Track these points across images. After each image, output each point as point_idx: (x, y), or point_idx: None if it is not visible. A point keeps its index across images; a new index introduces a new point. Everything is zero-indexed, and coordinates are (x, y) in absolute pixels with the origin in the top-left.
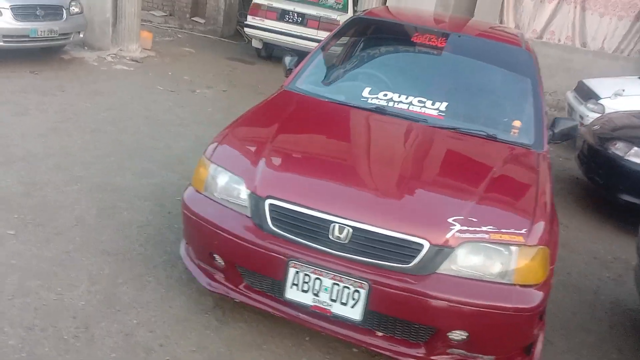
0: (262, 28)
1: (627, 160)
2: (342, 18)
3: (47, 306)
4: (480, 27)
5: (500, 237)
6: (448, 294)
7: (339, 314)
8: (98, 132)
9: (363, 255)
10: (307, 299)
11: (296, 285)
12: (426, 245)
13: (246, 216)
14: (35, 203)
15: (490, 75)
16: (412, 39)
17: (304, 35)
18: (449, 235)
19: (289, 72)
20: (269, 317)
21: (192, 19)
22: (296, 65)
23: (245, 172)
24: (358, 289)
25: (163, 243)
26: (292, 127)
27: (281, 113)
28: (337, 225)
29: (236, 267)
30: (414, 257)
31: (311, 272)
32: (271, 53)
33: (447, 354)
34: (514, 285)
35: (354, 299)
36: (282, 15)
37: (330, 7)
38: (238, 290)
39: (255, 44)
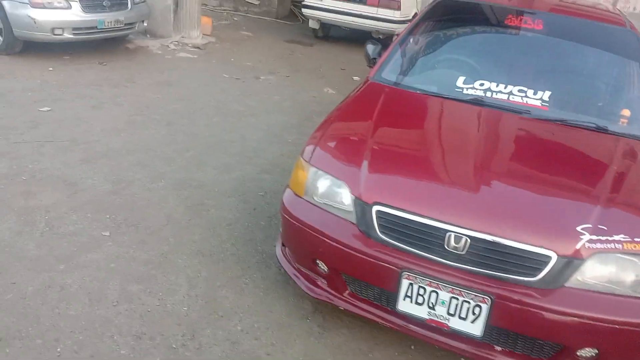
0: (320, 8)
1: None
2: None
3: (152, 313)
4: (577, 6)
5: (635, 247)
6: (578, 309)
7: (457, 328)
8: (173, 125)
9: (483, 267)
10: (421, 312)
11: (410, 297)
12: (554, 257)
13: (351, 222)
14: (124, 202)
15: (594, 59)
16: (504, 21)
17: (364, 13)
18: (578, 246)
19: (373, 61)
20: (370, 323)
21: (247, 0)
22: (380, 54)
23: (348, 176)
24: (480, 303)
25: (253, 242)
26: (389, 124)
27: (373, 108)
28: (453, 235)
29: (341, 275)
30: (541, 269)
31: (427, 285)
32: (328, 33)
33: None
34: None
35: (474, 313)
36: None
37: None
38: (342, 297)
39: (312, 24)
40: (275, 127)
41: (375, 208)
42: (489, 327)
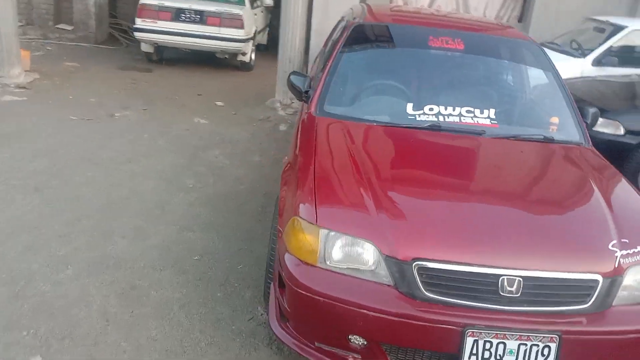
0: (155, 31)
1: (594, 131)
2: (243, 12)
3: None
4: (483, 24)
5: None
6: (634, 325)
7: None
8: (43, 190)
9: (539, 305)
10: None
11: (475, 355)
12: (600, 279)
13: (387, 285)
14: (35, 307)
15: (516, 73)
16: (428, 43)
17: (206, 34)
18: (617, 264)
19: (305, 94)
20: None
21: (57, 26)
22: (310, 85)
23: (371, 233)
24: (548, 343)
25: (223, 322)
26: (378, 164)
27: (346, 147)
28: (506, 278)
29: (380, 346)
30: (591, 294)
31: (493, 338)
32: (162, 56)
33: None
34: None
35: (543, 354)
36: (178, 15)
37: (228, 2)
38: None
39: (146, 48)
40: (166, 172)
41: (416, 265)
42: None
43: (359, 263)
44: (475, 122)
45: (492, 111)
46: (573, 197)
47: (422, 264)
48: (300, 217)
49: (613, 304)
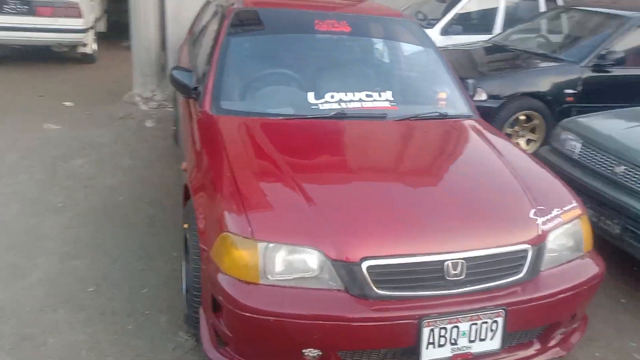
0: None
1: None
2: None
3: None
4: (361, 4)
5: (568, 216)
6: (561, 286)
7: (480, 351)
8: None
9: (483, 282)
10: (445, 353)
11: (432, 343)
12: (529, 248)
13: (336, 290)
14: None
15: (403, 52)
16: (315, 27)
17: (37, 26)
18: (540, 232)
19: (195, 91)
20: None
21: None
22: (199, 81)
23: (315, 239)
24: (496, 319)
25: (137, 355)
26: (293, 163)
27: (259, 147)
28: (450, 263)
29: (337, 353)
30: (522, 264)
31: (447, 323)
32: None
33: (557, 337)
34: (587, 253)
35: (492, 330)
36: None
37: None
38: None
39: None
40: (27, 193)
41: (365, 264)
42: (505, 336)
43: (305, 272)
44: (376, 106)
45: (389, 93)
46: (484, 171)
47: (371, 263)
48: (231, 232)
49: (541, 270)
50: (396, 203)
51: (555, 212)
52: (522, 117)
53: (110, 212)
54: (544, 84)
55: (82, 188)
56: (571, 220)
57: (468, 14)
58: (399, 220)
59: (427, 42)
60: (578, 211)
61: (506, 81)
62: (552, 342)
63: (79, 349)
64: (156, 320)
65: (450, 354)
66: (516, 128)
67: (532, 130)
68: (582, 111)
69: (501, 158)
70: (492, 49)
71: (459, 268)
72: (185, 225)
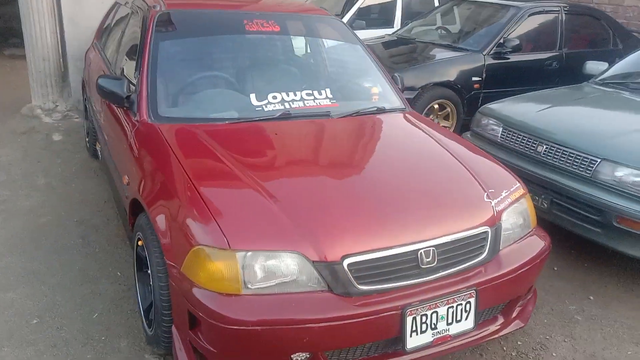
0: None
1: None
2: None
3: None
4: (285, 3)
5: (514, 196)
6: (520, 261)
7: (457, 332)
8: None
9: (453, 266)
10: (427, 338)
11: (415, 331)
12: (488, 229)
13: (319, 291)
14: None
15: (334, 49)
16: (245, 27)
17: None
18: (495, 213)
19: (128, 100)
20: None
21: None
22: (129, 88)
23: (293, 242)
24: (469, 299)
25: None
26: (251, 167)
27: (210, 153)
28: (423, 251)
29: (324, 354)
30: (484, 245)
31: (427, 309)
32: None
33: (516, 310)
34: (534, 229)
35: (466, 310)
36: None
37: None
38: None
39: None
40: None
41: (346, 262)
42: (477, 315)
43: (285, 276)
44: (318, 104)
45: (328, 91)
46: (433, 161)
47: (351, 260)
48: (204, 244)
49: (500, 249)
50: (363, 198)
51: (504, 193)
52: (436, 106)
53: (37, 237)
54: (453, 74)
55: None
56: (518, 200)
57: (368, 8)
58: (371, 215)
59: (354, 39)
60: (522, 190)
61: (419, 73)
62: (513, 315)
63: None
64: (116, 346)
65: (432, 339)
66: (431, 117)
67: (446, 118)
68: (488, 96)
69: (444, 147)
70: (398, 42)
71: (431, 255)
72: (140, 242)
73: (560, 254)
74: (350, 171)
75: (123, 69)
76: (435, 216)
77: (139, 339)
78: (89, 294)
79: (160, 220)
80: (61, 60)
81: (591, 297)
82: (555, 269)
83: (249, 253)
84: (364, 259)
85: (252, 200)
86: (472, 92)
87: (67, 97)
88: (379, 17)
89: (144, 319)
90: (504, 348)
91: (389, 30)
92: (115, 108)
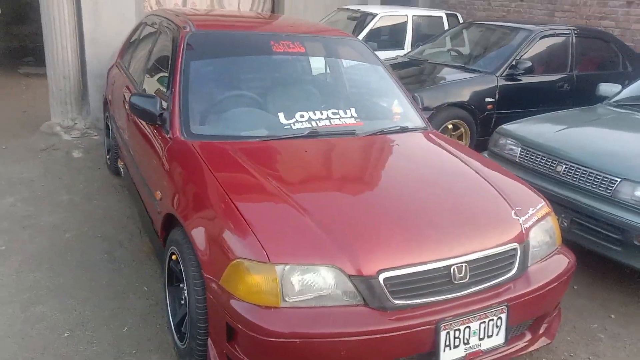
0: None
1: None
2: None
3: None
4: (308, 25)
5: (540, 213)
6: (548, 278)
7: (488, 347)
8: None
9: (484, 282)
10: (459, 353)
11: (448, 345)
12: (517, 246)
13: (355, 304)
14: None
15: (357, 70)
16: (273, 49)
17: None
18: (523, 230)
19: (160, 117)
20: None
21: None
22: (162, 107)
23: (331, 257)
24: (500, 315)
25: None
26: (286, 183)
27: (244, 171)
28: (455, 267)
29: None
30: (513, 262)
31: (460, 324)
32: None
33: (542, 327)
34: (560, 247)
35: (497, 326)
36: None
37: None
38: None
39: None
40: None
41: (382, 277)
42: (508, 331)
43: (321, 289)
44: (344, 122)
45: (353, 110)
46: (461, 179)
47: (387, 275)
48: (244, 258)
49: (528, 266)
50: (396, 214)
51: (531, 211)
52: (450, 126)
53: (63, 252)
54: (467, 94)
55: (22, 229)
56: (544, 217)
57: (379, 30)
58: (405, 230)
59: (375, 60)
60: (547, 209)
61: (435, 93)
62: (540, 332)
63: None
64: None
65: (464, 354)
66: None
67: (459, 138)
68: (501, 117)
69: (469, 165)
70: (411, 63)
71: (463, 271)
72: (174, 257)
73: (580, 273)
74: (380, 187)
75: (151, 87)
76: (466, 233)
77: (169, 353)
78: (117, 308)
79: (198, 234)
80: (81, 78)
81: (612, 316)
82: (575, 287)
83: (287, 266)
84: (399, 273)
85: (287, 214)
86: (486, 113)
87: (85, 115)
88: (390, 39)
89: (175, 333)
90: None
91: (400, 52)
92: (145, 126)
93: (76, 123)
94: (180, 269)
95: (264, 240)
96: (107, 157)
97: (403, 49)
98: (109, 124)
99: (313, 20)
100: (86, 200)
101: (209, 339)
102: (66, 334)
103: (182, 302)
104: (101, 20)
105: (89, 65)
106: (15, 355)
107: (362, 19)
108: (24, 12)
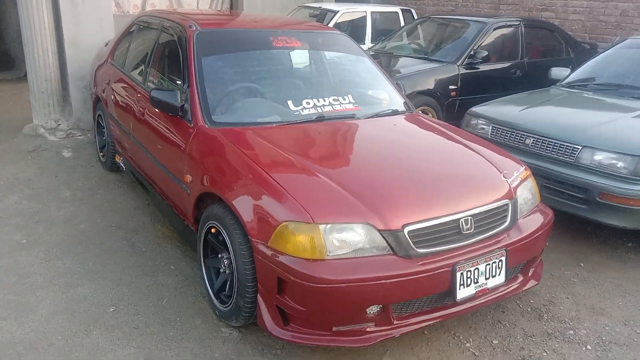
0: None
1: None
2: None
3: None
4: (298, 22)
5: (523, 176)
6: (535, 227)
7: (493, 285)
8: None
9: (487, 231)
10: (471, 290)
11: (462, 284)
12: (509, 202)
13: (386, 254)
14: None
15: (347, 61)
16: (273, 44)
17: None
18: (511, 189)
19: (182, 109)
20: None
21: None
22: (183, 99)
23: (363, 216)
24: (500, 258)
25: (194, 355)
26: (309, 158)
27: (269, 150)
28: (463, 220)
29: (390, 307)
30: (506, 215)
31: (471, 266)
32: None
33: (531, 270)
34: (540, 203)
35: (499, 267)
36: None
37: None
38: (394, 326)
39: None
40: None
41: (406, 230)
42: (507, 271)
43: (358, 243)
44: (344, 107)
45: (350, 96)
46: (453, 149)
47: (410, 228)
48: (290, 220)
49: (518, 218)
50: (412, 178)
51: (515, 174)
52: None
53: (83, 241)
54: (433, 83)
55: (36, 223)
56: (526, 179)
57: (339, 26)
58: (422, 191)
59: (362, 53)
60: (528, 172)
61: (404, 83)
62: (529, 274)
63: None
64: (193, 324)
65: (475, 291)
66: None
67: None
68: (464, 102)
69: (457, 139)
70: (377, 57)
71: (470, 223)
72: (213, 230)
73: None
74: (390, 158)
75: (158, 83)
76: (468, 192)
77: (210, 317)
78: (152, 285)
79: (241, 206)
80: (61, 80)
81: (581, 264)
82: (548, 244)
83: (329, 225)
84: (420, 226)
85: (318, 183)
86: (450, 99)
87: (68, 115)
88: (351, 34)
89: (214, 299)
90: (520, 306)
91: (363, 47)
92: (160, 119)
93: (60, 124)
94: (222, 239)
95: (305, 205)
96: (101, 154)
97: (364, 43)
98: (102, 122)
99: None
100: (89, 195)
101: (258, 296)
102: (111, 309)
103: (221, 270)
104: (80, 24)
105: (69, 68)
106: (70, 329)
107: (321, 16)
108: None
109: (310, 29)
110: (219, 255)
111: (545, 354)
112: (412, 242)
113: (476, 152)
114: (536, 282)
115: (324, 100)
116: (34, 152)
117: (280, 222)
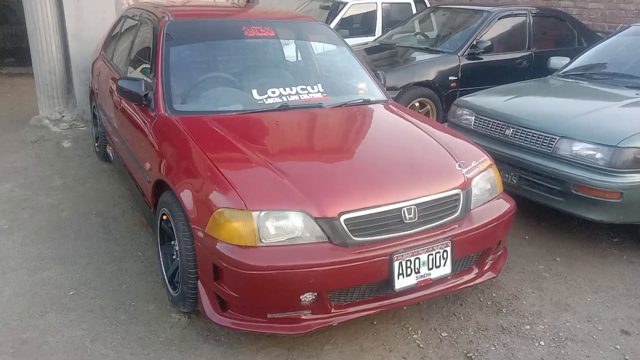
0: None
1: None
2: None
3: None
4: (275, 12)
5: (482, 166)
6: (488, 219)
7: (437, 276)
8: None
9: (431, 222)
10: (412, 281)
11: (401, 274)
12: (460, 192)
13: (322, 242)
14: None
15: (324, 51)
16: (245, 33)
17: None
18: (465, 179)
19: (146, 97)
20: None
21: None
22: (151, 88)
23: (299, 203)
24: (445, 248)
25: (140, 338)
26: (258, 146)
27: (220, 138)
28: (405, 209)
29: (327, 294)
30: (457, 205)
31: (411, 256)
32: None
33: (488, 263)
34: (501, 194)
35: (444, 258)
36: None
37: None
38: (332, 314)
39: None
40: None
41: (343, 218)
42: (453, 262)
43: (293, 231)
44: (311, 97)
45: (320, 86)
46: (413, 139)
47: (347, 217)
48: (225, 207)
49: (471, 209)
50: (354, 168)
51: (473, 163)
52: (417, 104)
53: (62, 227)
54: (431, 74)
55: (22, 210)
56: (485, 169)
57: (350, 18)
58: (362, 180)
59: (340, 42)
60: (489, 162)
61: (402, 74)
62: (486, 267)
63: (82, 341)
64: (145, 309)
65: (416, 281)
66: None
67: (426, 115)
68: (465, 94)
69: (421, 128)
70: (380, 48)
71: (413, 212)
72: (165, 216)
73: (531, 225)
74: (341, 149)
75: (135, 74)
76: (415, 181)
77: (164, 302)
78: (115, 270)
79: (185, 193)
80: (65, 73)
81: (558, 259)
82: (527, 237)
83: (263, 212)
84: (357, 215)
85: (261, 172)
86: (450, 91)
87: (72, 107)
88: (361, 26)
89: (168, 284)
90: (481, 299)
91: (371, 38)
92: (131, 108)
93: (64, 116)
94: (171, 226)
95: (241, 191)
96: (96, 144)
97: (374, 35)
98: (96, 113)
99: (288, 9)
100: (79, 184)
101: (198, 282)
102: (71, 292)
103: (174, 257)
104: (83, 17)
105: (73, 60)
106: (28, 309)
107: (334, 8)
108: (2, 14)
109: (286, 19)
110: (172, 242)
111: (493, 348)
112: (349, 231)
113: (437, 141)
114: (494, 275)
115: (291, 90)
116: (36, 142)
117: (216, 209)
